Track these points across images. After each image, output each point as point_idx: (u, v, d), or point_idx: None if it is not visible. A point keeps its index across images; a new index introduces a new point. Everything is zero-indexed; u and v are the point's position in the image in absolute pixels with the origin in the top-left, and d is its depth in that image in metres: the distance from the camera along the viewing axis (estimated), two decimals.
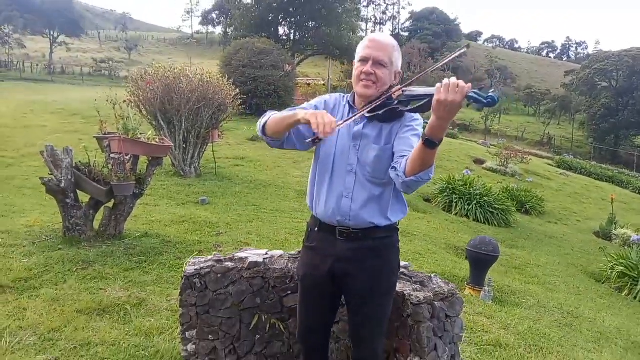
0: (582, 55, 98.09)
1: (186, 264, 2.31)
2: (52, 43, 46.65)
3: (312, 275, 1.89)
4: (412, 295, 1.99)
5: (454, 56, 1.79)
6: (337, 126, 1.59)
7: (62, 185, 4.13)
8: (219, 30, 68.51)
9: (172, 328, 2.81)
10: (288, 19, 26.90)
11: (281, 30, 27.75)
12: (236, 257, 2.31)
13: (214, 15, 66.57)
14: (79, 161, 4.41)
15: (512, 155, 18.43)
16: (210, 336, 2.24)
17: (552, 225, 11.42)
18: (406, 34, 77.32)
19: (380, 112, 1.71)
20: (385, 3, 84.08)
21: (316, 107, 1.88)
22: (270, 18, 26.16)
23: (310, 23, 26.57)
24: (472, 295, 4.40)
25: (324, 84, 33.78)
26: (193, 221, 5.57)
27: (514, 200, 11.56)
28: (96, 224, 4.50)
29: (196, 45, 74.55)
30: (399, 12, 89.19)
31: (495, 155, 18.61)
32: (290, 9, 25.28)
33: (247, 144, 12.96)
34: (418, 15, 76.78)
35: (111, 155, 4.25)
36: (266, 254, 2.36)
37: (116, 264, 3.79)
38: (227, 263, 2.27)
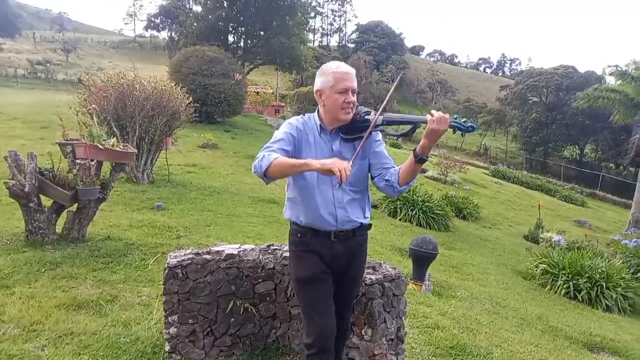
0: (515, 71, 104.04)
1: (168, 257, 2.60)
2: None
3: (319, 275, 2.10)
4: (366, 277, 2.40)
5: (394, 85, 2.27)
6: (350, 165, 1.86)
7: (26, 189, 4.23)
8: (163, 34, 67.09)
9: (147, 319, 3.05)
10: (238, 28, 27.04)
11: (231, 39, 27.82)
12: (213, 251, 2.63)
13: (159, 20, 65.16)
14: (41, 167, 4.52)
15: (452, 164, 19.56)
16: (190, 320, 2.54)
17: (487, 230, 12.33)
18: (352, 45, 79.22)
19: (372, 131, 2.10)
20: (332, 15, 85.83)
21: (292, 135, 2.09)
22: (220, 26, 26.22)
23: (260, 33, 26.86)
24: (414, 289, 4.90)
25: (272, 93, 34.13)
26: (152, 225, 5.73)
27: (452, 207, 12.39)
28: (57, 228, 4.62)
29: (139, 49, 72.69)
30: (345, 24, 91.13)
31: (436, 164, 19.67)
32: (241, 18, 25.45)
33: (198, 151, 13.06)
34: (364, 28, 78.82)
35: (76, 161, 4.40)
36: (240, 247, 2.69)
37: (83, 264, 3.95)
38: (205, 255, 2.58)
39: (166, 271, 2.52)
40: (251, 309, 2.62)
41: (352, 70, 2.14)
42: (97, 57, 63.21)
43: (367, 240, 2.27)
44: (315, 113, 2.21)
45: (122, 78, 8.22)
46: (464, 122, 2.01)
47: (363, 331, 2.40)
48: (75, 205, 4.59)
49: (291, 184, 2.17)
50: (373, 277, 2.40)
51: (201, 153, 12.75)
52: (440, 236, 9.71)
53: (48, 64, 48.73)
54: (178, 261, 2.53)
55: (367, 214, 2.23)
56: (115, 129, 8.00)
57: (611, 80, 23.13)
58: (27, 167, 4.26)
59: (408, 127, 2.22)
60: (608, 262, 7.70)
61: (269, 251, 2.70)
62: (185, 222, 6.19)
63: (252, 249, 2.70)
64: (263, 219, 7.14)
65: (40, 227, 4.37)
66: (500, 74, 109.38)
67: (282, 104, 34.40)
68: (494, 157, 46.48)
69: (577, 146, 47.59)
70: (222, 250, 2.62)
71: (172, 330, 2.53)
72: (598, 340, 4.57)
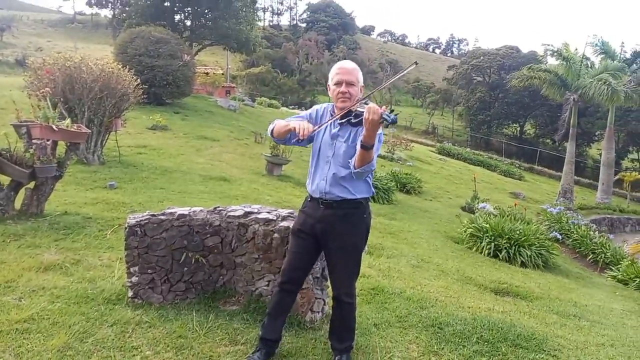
0: (463, 51, 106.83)
1: (127, 218, 3.06)
2: None
3: (301, 230, 2.60)
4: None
5: (403, 73, 2.62)
6: (312, 131, 2.40)
7: None
8: (105, 12, 64.35)
9: (110, 276, 3.49)
10: (184, 8, 26.59)
11: (177, 18, 27.32)
12: (167, 212, 3.10)
13: None
14: None
15: (398, 142, 20.51)
16: (149, 270, 3.03)
17: (427, 202, 13.25)
18: (304, 25, 79.01)
19: (352, 119, 2.41)
20: None
21: (310, 115, 2.66)
22: (165, 5, 25.71)
23: (208, 13, 26.51)
24: None
25: (222, 74, 33.87)
26: (106, 202, 6.06)
27: (396, 182, 13.23)
28: (16, 205, 4.89)
29: (81, 28, 69.49)
30: (296, 3, 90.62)
31: (384, 142, 20.56)
32: None
33: (147, 133, 13.15)
34: (314, 7, 78.73)
35: (33, 141, 4.68)
36: (190, 209, 3.17)
37: (45, 235, 4.31)
38: (160, 216, 3.05)
39: (127, 229, 2.98)
40: (201, 260, 3.12)
41: (349, 65, 2.57)
42: (35, 36, 59.99)
43: (360, 217, 2.57)
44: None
45: (69, 60, 8.30)
46: (390, 113, 2.19)
47: None
48: (33, 183, 4.88)
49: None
50: None
51: (151, 134, 12.87)
52: (383, 208, 10.46)
53: None
54: (137, 221, 2.99)
55: (356, 193, 2.52)
56: (63, 112, 8.12)
57: (552, 61, 24.64)
58: None
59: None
60: (526, 225, 8.67)
61: (216, 212, 3.20)
62: (138, 199, 6.53)
63: (201, 210, 3.19)
64: (214, 194, 7.56)
65: (0, 204, 4.65)
66: (448, 54, 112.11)
67: (233, 85, 34.27)
68: (442, 135, 48.28)
69: (518, 124, 50.15)
70: (175, 212, 3.10)
71: (134, 279, 3.01)
72: (505, 287, 5.37)
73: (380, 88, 2.47)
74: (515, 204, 13.34)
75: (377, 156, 2.56)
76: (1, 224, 4.45)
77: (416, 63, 2.62)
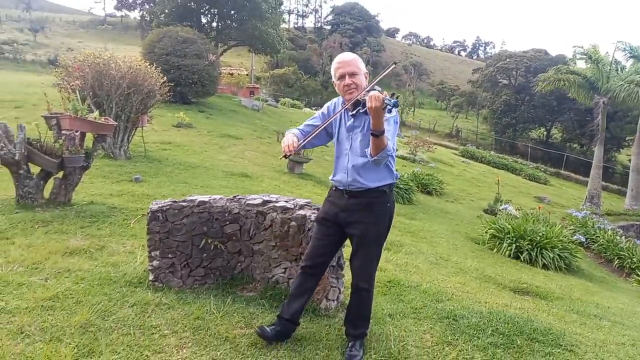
0: (489, 54, 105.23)
1: (150, 204, 3.15)
2: None
3: (326, 218, 2.68)
4: (311, 216, 3.00)
5: (386, 72, 2.67)
6: (298, 146, 2.52)
7: (16, 157, 4.68)
8: (134, 14, 65.83)
9: (132, 262, 3.59)
10: (211, 9, 27.01)
11: (203, 20, 27.78)
12: (188, 199, 3.19)
13: None
14: (29, 137, 4.95)
15: (420, 144, 20.39)
16: (169, 255, 3.11)
17: (449, 204, 13.13)
18: (328, 27, 79.16)
19: (360, 109, 2.41)
20: None
21: (323, 113, 2.74)
22: (193, 6, 26.18)
23: (233, 15, 26.88)
24: None
25: (247, 75, 34.21)
26: (131, 194, 6.22)
27: (418, 183, 13.16)
28: (45, 194, 5.07)
29: (111, 29, 71.18)
30: (321, 6, 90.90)
31: (406, 144, 20.47)
32: None
33: (172, 130, 13.42)
34: (339, 9, 78.80)
35: (62, 132, 4.85)
36: (210, 197, 3.25)
37: (72, 223, 4.45)
38: (181, 203, 3.14)
39: (149, 214, 3.07)
40: (220, 246, 3.20)
41: (347, 57, 2.61)
42: (67, 37, 61.78)
43: (383, 206, 2.60)
44: None
45: (98, 57, 8.55)
46: (391, 97, 2.21)
47: None
48: (61, 172, 5.06)
49: None
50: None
51: (176, 132, 13.12)
52: (403, 208, 10.42)
53: (15, 44, 47.45)
54: (159, 207, 3.09)
55: (379, 181, 2.56)
56: (92, 107, 8.35)
57: (581, 64, 24.06)
58: (17, 137, 4.70)
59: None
60: (549, 227, 8.52)
61: (235, 200, 3.27)
62: (162, 192, 6.68)
63: (221, 198, 3.26)
64: (236, 190, 7.66)
65: (29, 192, 4.83)
66: (474, 57, 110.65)
67: (257, 86, 34.56)
68: (465, 138, 47.73)
69: (544, 127, 49.19)
70: (195, 199, 3.18)
71: (155, 263, 3.10)
72: (524, 287, 5.30)
73: (369, 87, 2.44)
74: (539, 208, 13.12)
75: (397, 156, 2.58)
76: (30, 211, 4.63)
77: (395, 63, 2.73)
